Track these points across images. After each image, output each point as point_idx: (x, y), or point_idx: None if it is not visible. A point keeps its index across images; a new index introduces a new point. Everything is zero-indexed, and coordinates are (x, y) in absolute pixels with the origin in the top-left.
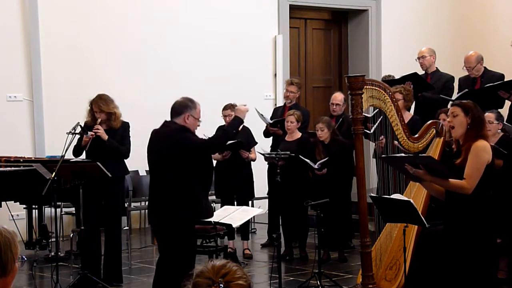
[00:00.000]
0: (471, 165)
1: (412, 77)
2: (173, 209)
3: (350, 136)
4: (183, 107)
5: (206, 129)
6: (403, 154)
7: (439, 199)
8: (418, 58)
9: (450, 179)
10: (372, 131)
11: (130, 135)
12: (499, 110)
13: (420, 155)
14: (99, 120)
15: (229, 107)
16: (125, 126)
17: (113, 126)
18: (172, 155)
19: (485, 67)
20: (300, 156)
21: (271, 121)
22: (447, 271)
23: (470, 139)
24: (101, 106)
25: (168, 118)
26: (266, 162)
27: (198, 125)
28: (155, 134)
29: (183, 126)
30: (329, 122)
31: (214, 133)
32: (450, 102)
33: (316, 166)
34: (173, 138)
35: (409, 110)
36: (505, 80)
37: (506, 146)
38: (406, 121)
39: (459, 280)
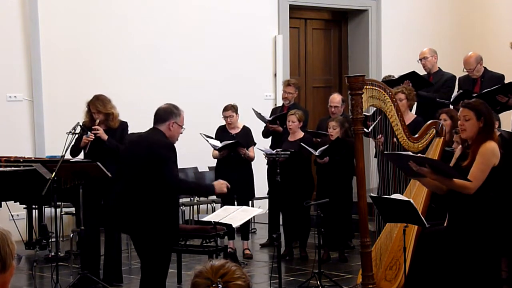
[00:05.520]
0: (477, 166)
1: (411, 75)
2: (157, 218)
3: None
4: (169, 113)
5: (206, 129)
6: (410, 153)
7: (438, 194)
8: (420, 59)
9: (454, 179)
10: (369, 130)
11: None
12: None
13: (425, 156)
14: (97, 121)
15: (230, 108)
16: (124, 125)
17: (111, 126)
18: (152, 166)
19: (485, 67)
20: (302, 143)
21: (270, 118)
22: (448, 271)
23: (479, 142)
24: (98, 107)
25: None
26: (266, 162)
27: (181, 132)
28: (142, 139)
29: (170, 144)
30: (342, 121)
31: (214, 133)
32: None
33: (317, 153)
34: (158, 150)
35: (411, 109)
36: (504, 82)
37: (502, 146)
38: (408, 122)
39: (462, 280)
